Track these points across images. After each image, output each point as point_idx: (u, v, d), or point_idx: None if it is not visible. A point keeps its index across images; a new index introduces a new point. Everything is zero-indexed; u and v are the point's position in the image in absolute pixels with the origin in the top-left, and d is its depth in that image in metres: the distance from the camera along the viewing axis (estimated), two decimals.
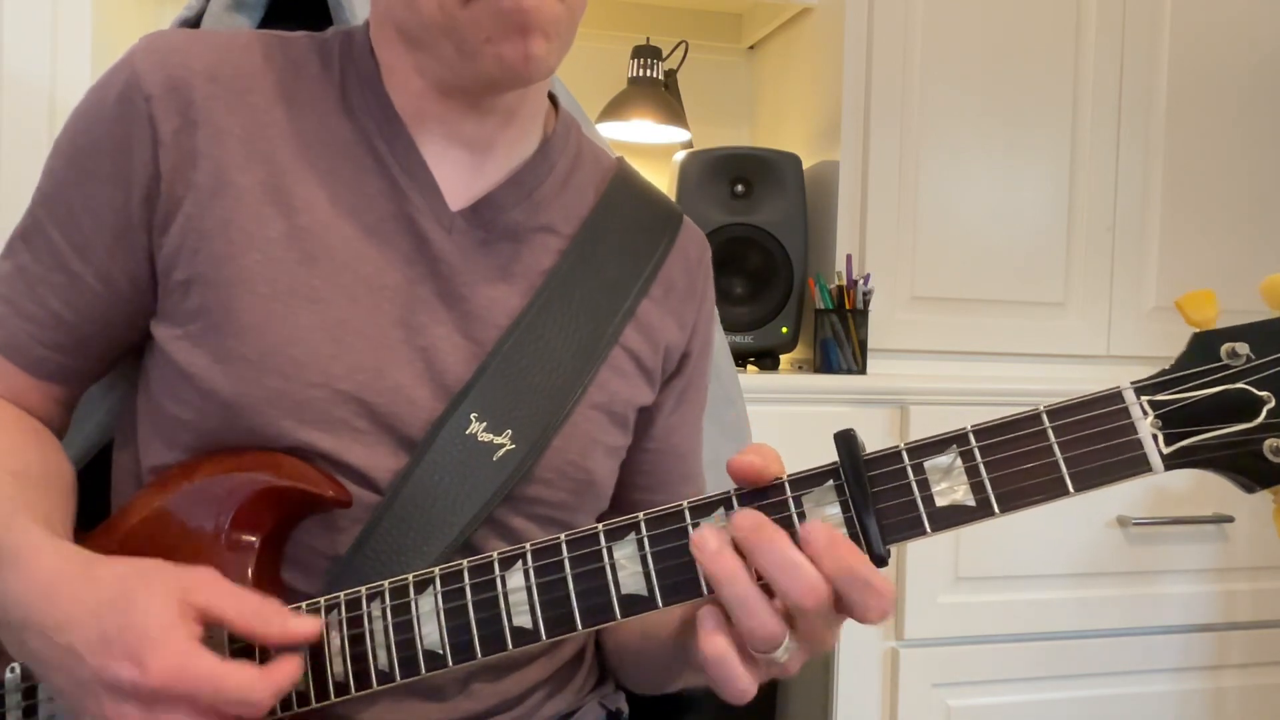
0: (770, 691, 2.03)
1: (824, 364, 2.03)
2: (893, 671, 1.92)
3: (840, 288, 2.03)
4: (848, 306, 2.01)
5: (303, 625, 0.71)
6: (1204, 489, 2.01)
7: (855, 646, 1.90)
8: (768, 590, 0.64)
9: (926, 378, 2.01)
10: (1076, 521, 1.97)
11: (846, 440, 0.66)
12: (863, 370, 2.02)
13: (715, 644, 0.65)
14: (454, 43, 0.79)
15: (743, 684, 0.65)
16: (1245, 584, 2.05)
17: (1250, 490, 0.63)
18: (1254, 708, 2.08)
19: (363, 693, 0.73)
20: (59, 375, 0.86)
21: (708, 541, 0.65)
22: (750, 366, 2.09)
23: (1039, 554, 1.95)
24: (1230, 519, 2.01)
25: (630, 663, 0.98)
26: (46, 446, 0.86)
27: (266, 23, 1.09)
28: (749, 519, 0.65)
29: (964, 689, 1.94)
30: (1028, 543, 1.94)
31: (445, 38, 0.79)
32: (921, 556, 1.89)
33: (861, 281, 2.02)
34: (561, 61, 0.83)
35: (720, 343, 1.22)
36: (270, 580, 0.80)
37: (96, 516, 0.85)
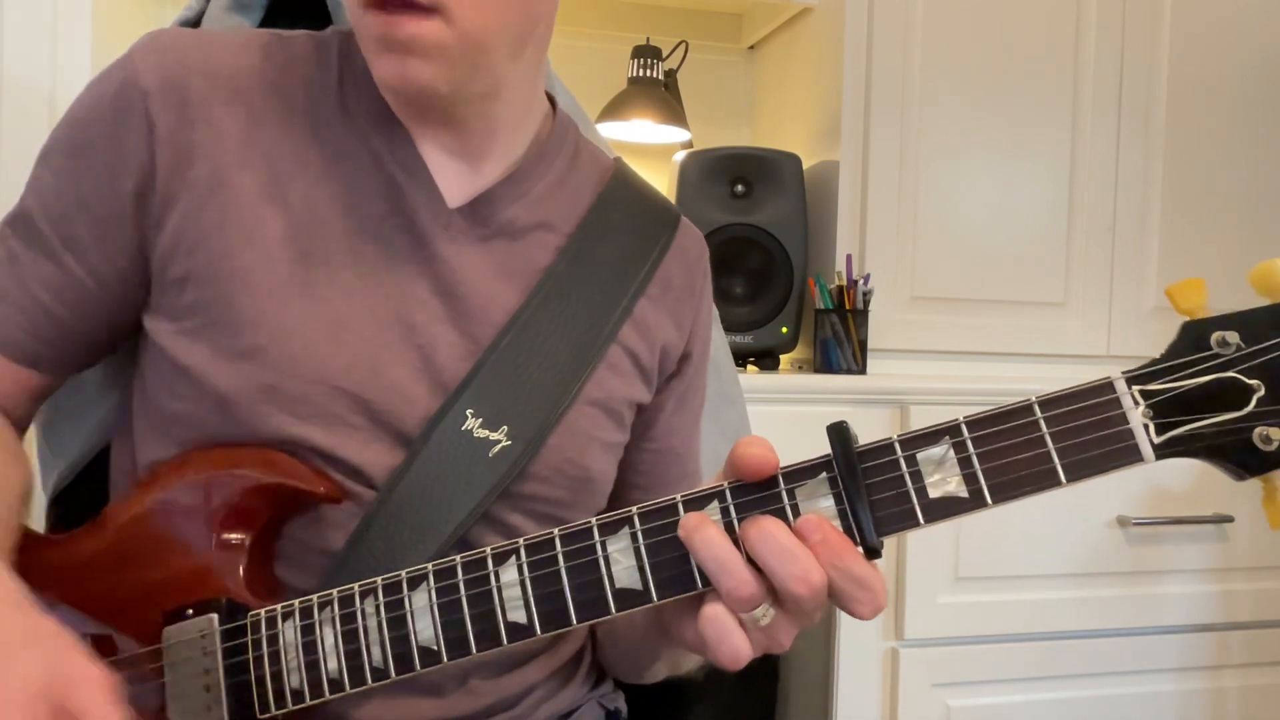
0: (770, 691, 2.03)
1: (824, 364, 2.03)
2: (893, 671, 1.91)
3: (840, 288, 2.03)
4: (848, 306, 2.01)
5: None
6: (1204, 488, 2.00)
7: (855, 646, 1.90)
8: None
9: (926, 378, 2.01)
10: (1076, 521, 1.96)
11: (840, 432, 0.65)
12: (863, 370, 2.02)
13: (712, 609, 0.65)
14: (363, 49, 0.81)
15: (734, 643, 0.65)
16: (1245, 584, 2.05)
17: (1240, 478, 0.63)
18: (1254, 708, 2.08)
19: (357, 689, 0.73)
20: (36, 362, 0.86)
21: (690, 517, 0.66)
22: (750, 366, 2.08)
23: (1039, 554, 1.95)
24: (1230, 519, 2.01)
25: (615, 647, 0.98)
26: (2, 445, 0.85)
27: (266, 23, 1.09)
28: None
29: (964, 689, 1.94)
30: (1028, 543, 1.94)
31: (360, 40, 0.81)
32: (921, 556, 1.89)
33: (861, 281, 2.02)
34: (473, 77, 0.82)
35: (720, 342, 1.22)
36: (264, 577, 0.80)
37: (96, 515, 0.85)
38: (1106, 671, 1.99)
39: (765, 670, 2.00)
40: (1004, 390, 1.86)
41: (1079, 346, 2.17)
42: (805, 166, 2.12)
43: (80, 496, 0.99)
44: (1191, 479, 2.00)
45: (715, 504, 0.67)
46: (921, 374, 2.07)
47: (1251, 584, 2.05)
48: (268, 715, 0.75)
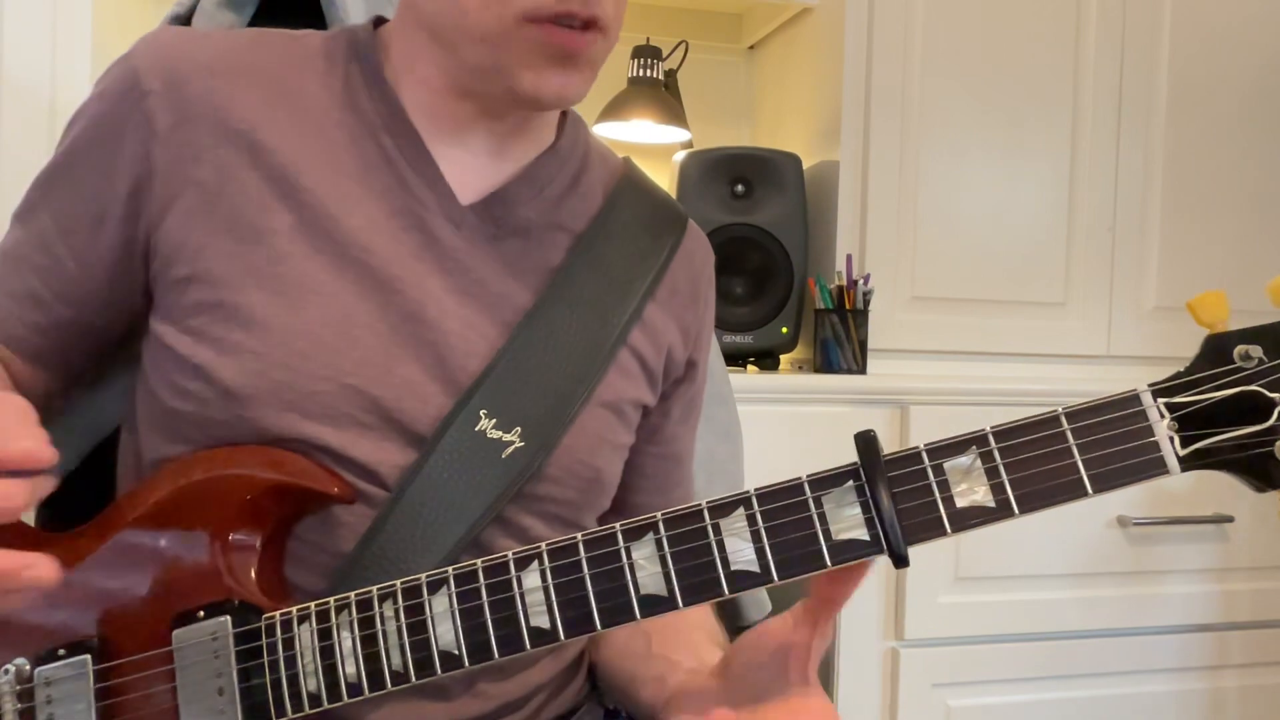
0: None
1: (824, 364, 2.03)
2: (893, 671, 1.92)
3: (840, 288, 2.03)
4: (848, 306, 2.02)
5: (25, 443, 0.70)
6: (1204, 489, 2.01)
7: (855, 646, 1.90)
8: None
9: (926, 378, 2.01)
10: (1076, 521, 1.97)
11: (867, 441, 0.66)
12: (863, 370, 2.02)
13: None
14: (495, 56, 0.80)
15: None
16: (1245, 584, 2.06)
17: (1261, 490, 0.64)
18: (1254, 708, 2.09)
19: (376, 694, 0.73)
20: (38, 358, 0.87)
21: None
22: (750, 366, 2.09)
23: (1039, 554, 1.95)
24: (1230, 519, 2.02)
25: (607, 684, 0.99)
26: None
27: (257, 20, 1.09)
28: None
29: (964, 689, 1.95)
30: (1028, 543, 1.95)
31: (488, 49, 0.80)
32: (921, 556, 1.85)
33: (861, 281, 2.03)
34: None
35: (712, 342, 1.22)
36: (274, 578, 0.79)
37: (92, 515, 0.85)
38: (1106, 671, 2.00)
39: None
40: (1004, 390, 1.88)
41: (1079, 346, 2.17)
42: (805, 166, 2.12)
43: (71, 501, 0.98)
44: (1192, 479, 2.00)
45: (741, 510, 0.67)
46: (921, 374, 2.07)
47: (1251, 584, 2.06)
48: (284, 719, 0.74)
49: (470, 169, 0.87)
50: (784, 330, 2.08)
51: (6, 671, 0.79)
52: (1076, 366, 2.17)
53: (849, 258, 2.07)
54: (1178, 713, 2.04)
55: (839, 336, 2.02)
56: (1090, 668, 1.99)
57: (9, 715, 0.79)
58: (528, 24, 0.78)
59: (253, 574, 0.77)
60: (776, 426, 1.81)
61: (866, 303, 2.02)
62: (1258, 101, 2.24)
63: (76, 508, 0.86)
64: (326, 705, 0.74)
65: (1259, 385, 0.62)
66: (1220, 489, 2.01)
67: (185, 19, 1.09)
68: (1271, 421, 0.62)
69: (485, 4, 0.78)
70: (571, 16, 0.78)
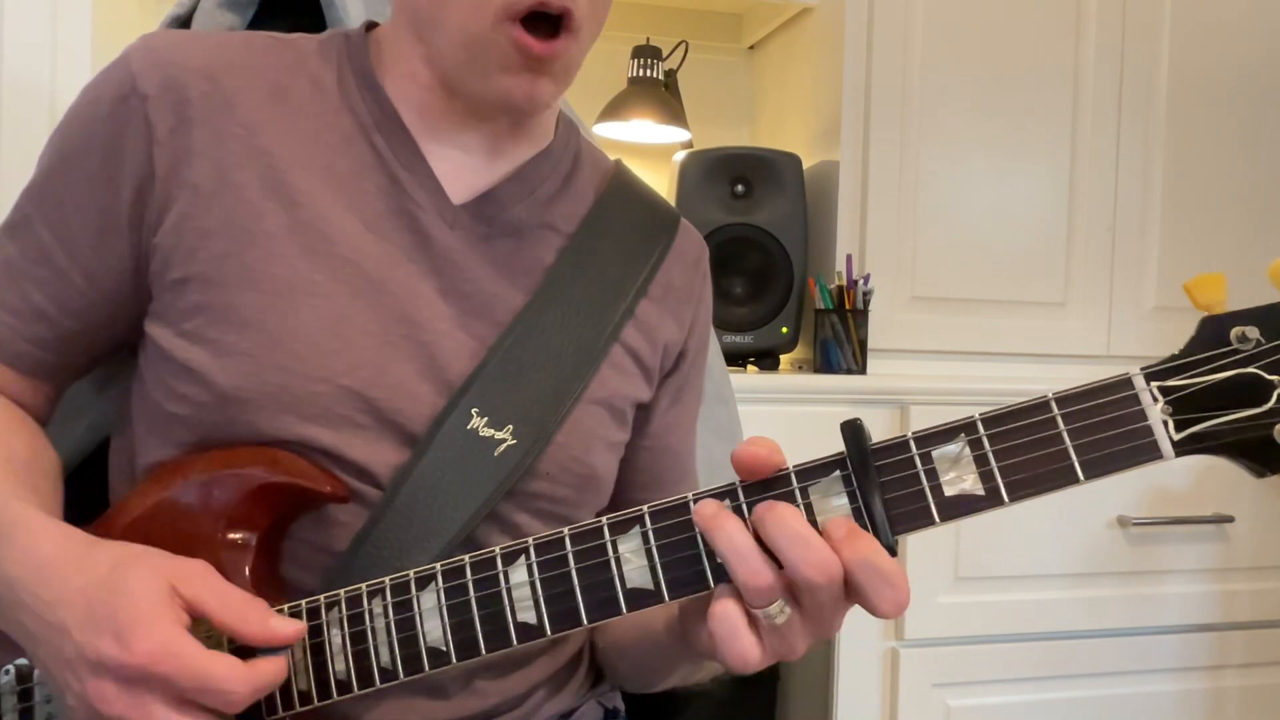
0: (770, 691, 2.03)
1: (824, 364, 2.03)
2: (893, 671, 1.91)
3: (840, 288, 2.03)
4: (848, 306, 2.02)
5: (285, 626, 0.71)
6: (1204, 488, 2.00)
7: (855, 646, 1.90)
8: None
9: (926, 378, 2.01)
10: (1077, 521, 1.96)
11: (854, 430, 0.65)
12: (863, 370, 2.02)
13: (722, 605, 0.65)
14: (470, 56, 0.81)
15: (743, 644, 0.65)
16: (1245, 584, 2.05)
17: (1260, 475, 0.62)
18: (1254, 708, 2.08)
19: (365, 691, 0.73)
20: (40, 370, 0.86)
21: (706, 505, 0.65)
22: (750, 366, 2.08)
23: (1039, 554, 1.95)
24: (1230, 519, 2.01)
25: (625, 659, 0.97)
26: (31, 433, 0.86)
27: (258, 20, 1.09)
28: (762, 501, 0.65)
29: (964, 689, 1.94)
30: (1028, 542, 1.94)
31: (464, 48, 0.81)
32: (921, 556, 1.89)
33: (861, 281, 2.02)
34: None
35: (712, 342, 1.22)
36: (269, 577, 0.79)
37: (91, 517, 0.85)
38: (1106, 671, 1.99)
39: (765, 670, 2.00)
40: (1004, 390, 1.86)
41: (1079, 346, 2.17)
42: (805, 166, 2.12)
43: (70, 501, 0.98)
44: (1191, 479, 2.00)
45: (727, 503, 0.66)
46: (921, 374, 2.07)
47: (1251, 584, 2.05)
48: (275, 716, 0.74)
49: (464, 168, 0.87)
50: (784, 330, 2.08)
51: (7, 672, 0.79)
52: (1076, 366, 2.16)
53: (849, 258, 2.07)
54: (1178, 713, 2.04)
55: (839, 336, 2.02)
56: (1090, 668, 1.98)
57: (9, 715, 0.79)
58: (503, 24, 0.79)
59: (247, 572, 0.77)
60: (776, 426, 1.81)
61: (866, 303, 2.02)
62: (1258, 101, 2.23)
63: (75, 509, 0.86)
64: (316, 703, 0.74)
65: (1257, 367, 0.61)
66: (1220, 489, 2.01)
67: (185, 20, 1.09)
68: (1271, 404, 0.60)
69: (463, 1, 0.79)
70: (545, 5, 0.78)
